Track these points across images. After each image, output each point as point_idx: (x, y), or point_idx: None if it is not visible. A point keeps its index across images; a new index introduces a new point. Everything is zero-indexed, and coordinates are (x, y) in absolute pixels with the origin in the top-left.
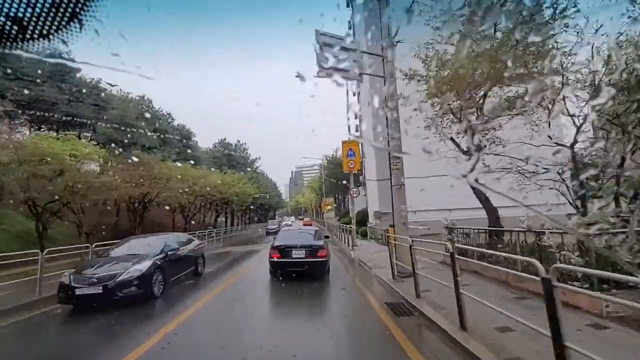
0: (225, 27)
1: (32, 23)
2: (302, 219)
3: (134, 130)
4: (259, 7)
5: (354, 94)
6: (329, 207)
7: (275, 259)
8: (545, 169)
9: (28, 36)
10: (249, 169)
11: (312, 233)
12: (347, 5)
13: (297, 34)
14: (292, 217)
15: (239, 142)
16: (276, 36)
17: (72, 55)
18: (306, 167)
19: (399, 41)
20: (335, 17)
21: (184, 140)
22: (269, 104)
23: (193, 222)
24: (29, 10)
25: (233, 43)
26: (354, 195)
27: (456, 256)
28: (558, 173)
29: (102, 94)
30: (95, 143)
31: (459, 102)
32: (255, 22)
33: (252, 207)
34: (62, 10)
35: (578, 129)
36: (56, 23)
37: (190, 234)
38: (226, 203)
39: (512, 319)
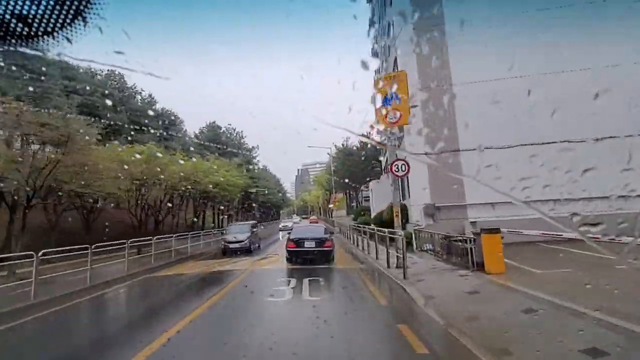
0: (232, 21)
1: (37, 20)
2: (307, 217)
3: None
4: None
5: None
6: (337, 204)
7: (291, 249)
8: None
9: (33, 33)
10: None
11: (319, 229)
12: None
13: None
14: (296, 216)
15: (230, 125)
16: (282, 32)
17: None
18: (312, 164)
19: None
20: None
21: (163, 124)
22: (273, 102)
23: (138, 224)
24: (34, 7)
25: (238, 37)
26: (400, 172)
27: None
28: None
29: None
30: None
31: None
32: (269, 14)
33: (253, 204)
34: (66, 7)
35: None
36: (60, 20)
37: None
38: (208, 197)
39: None
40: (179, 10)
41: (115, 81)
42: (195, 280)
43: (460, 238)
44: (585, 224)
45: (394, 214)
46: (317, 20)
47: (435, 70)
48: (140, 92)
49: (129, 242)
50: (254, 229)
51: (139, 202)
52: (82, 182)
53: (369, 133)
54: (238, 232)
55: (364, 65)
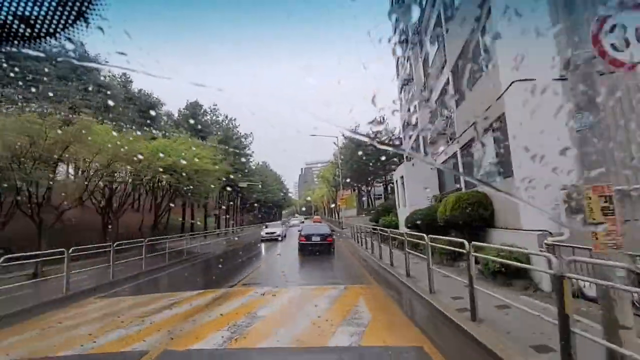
0: (233, 21)
1: (39, 22)
2: (308, 218)
3: None
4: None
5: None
6: (345, 202)
7: (302, 242)
8: None
9: (35, 34)
10: (244, 159)
11: (324, 227)
12: None
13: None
14: (298, 215)
15: (215, 106)
16: (286, 31)
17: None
18: (315, 163)
19: None
20: None
21: (137, 105)
22: (274, 101)
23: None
24: (36, 9)
25: (239, 37)
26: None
27: None
28: None
29: None
30: None
31: None
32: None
33: (254, 204)
34: (68, 8)
35: None
36: (62, 21)
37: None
38: (177, 190)
39: None
40: (180, 11)
41: (75, 48)
42: None
43: None
44: None
45: (599, 207)
46: (318, 21)
47: None
48: (106, 63)
49: None
50: None
51: (46, 193)
52: None
53: (374, 132)
54: None
55: (365, 66)
